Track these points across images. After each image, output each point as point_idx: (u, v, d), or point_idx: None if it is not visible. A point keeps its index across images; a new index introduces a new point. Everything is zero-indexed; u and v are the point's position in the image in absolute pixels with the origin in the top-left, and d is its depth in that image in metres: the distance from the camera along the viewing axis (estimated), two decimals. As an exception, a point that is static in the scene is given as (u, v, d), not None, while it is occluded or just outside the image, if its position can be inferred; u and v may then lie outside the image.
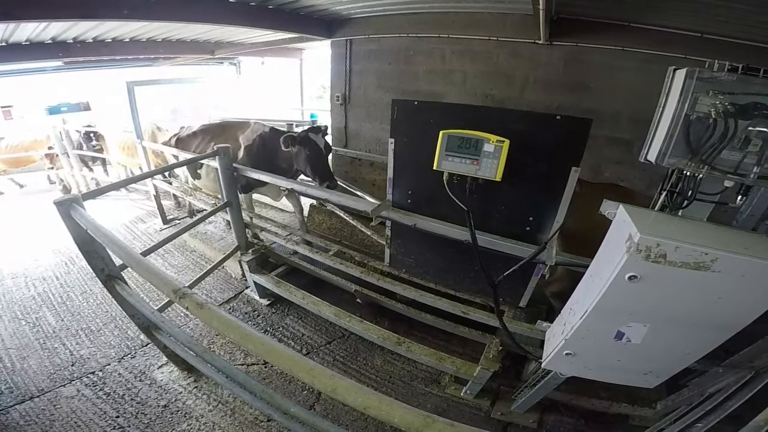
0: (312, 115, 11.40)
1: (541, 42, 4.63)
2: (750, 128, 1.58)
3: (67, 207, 2.37)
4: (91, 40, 6.63)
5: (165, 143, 5.98)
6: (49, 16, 3.91)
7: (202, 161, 4.82)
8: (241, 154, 4.95)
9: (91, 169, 8.16)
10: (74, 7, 3.87)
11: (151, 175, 5.11)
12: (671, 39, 3.98)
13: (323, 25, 6.11)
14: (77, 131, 7.66)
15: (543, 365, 2.31)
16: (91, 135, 7.57)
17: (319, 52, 10.68)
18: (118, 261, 2.68)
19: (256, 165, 4.52)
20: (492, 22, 4.88)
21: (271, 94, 13.45)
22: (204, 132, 5.59)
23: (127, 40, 7.07)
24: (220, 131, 5.46)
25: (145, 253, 3.16)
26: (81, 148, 7.67)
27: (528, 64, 4.93)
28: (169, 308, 3.67)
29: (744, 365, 2.40)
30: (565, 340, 2.01)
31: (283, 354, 1.45)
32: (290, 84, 12.60)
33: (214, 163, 3.99)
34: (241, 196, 5.09)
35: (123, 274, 2.86)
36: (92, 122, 8.02)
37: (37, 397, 3.23)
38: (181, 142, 5.68)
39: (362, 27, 5.93)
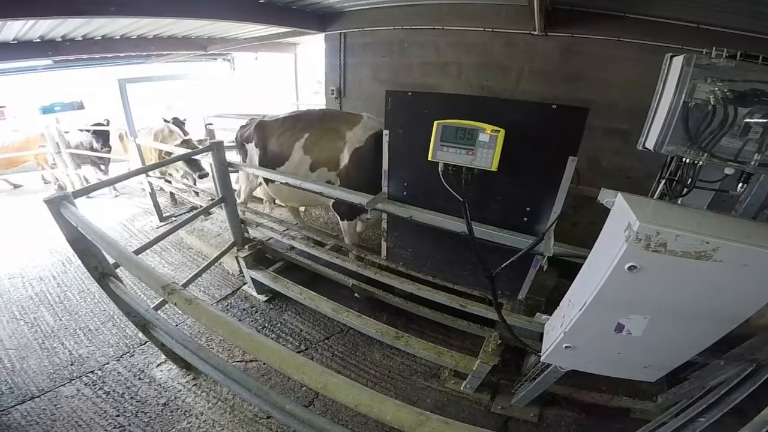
0: (308, 111, 11.36)
1: (536, 33, 4.61)
2: (747, 119, 1.56)
3: (58, 205, 2.34)
4: (80, 38, 6.57)
5: (244, 128, 5.09)
6: (34, 13, 3.87)
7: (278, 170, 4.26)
8: (345, 158, 4.06)
9: (105, 172, 8.12)
10: (61, 4, 3.82)
11: (139, 172, 5.00)
12: (667, 29, 3.96)
13: (316, 18, 6.07)
14: (89, 130, 7.51)
15: (542, 359, 2.29)
16: (100, 134, 7.44)
17: (313, 47, 10.62)
18: (111, 259, 2.65)
19: (371, 178, 3.71)
20: (487, 12, 4.86)
21: (266, 90, 13.40)
22: (296, 120, 4.56)
23: (118, 37, 7.00)
24: (319, 122, 4.37)
25: (139, 251, 3.14)
26: (90, 149, 7.53)
27: (523, 55, 4.90)
28: (167, 305, 3.63)
29: (745, 358, 2.38)
30: (564, 333, 1.99)
31: (273, 350, 1.42)
32: (286, 79, 12.56)
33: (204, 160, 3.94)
34: (344, 224, 4.49)
35: (118, 272, 2.84)
36: (105, 119, 7.73)
37: (38, 397, 3.22)
38: (262, 129, 4.66)
39: (356, 20, 5.91)
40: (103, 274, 2.73)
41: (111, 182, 3.26)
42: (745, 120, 1.56)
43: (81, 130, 7.65)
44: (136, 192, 7.98)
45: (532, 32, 4.64)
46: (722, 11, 3.51)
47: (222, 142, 3.93)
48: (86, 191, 2.85)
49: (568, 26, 4.45)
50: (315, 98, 12.42)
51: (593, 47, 4.45)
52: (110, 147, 7.53)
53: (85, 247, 2.56)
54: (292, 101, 12.33)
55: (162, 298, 3.29)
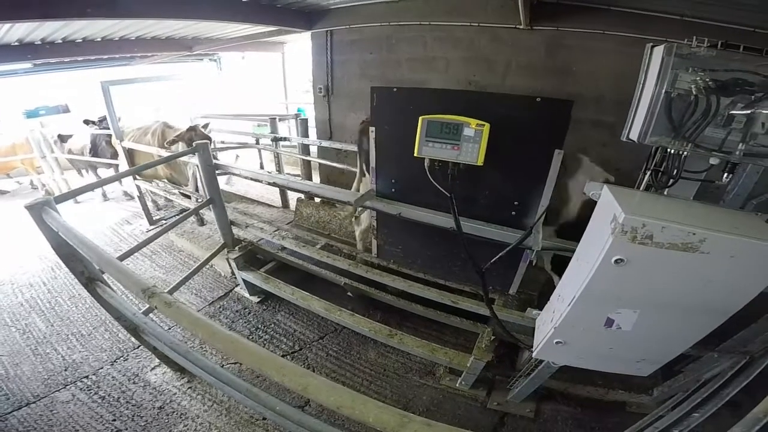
0: (299, 109, 11.31)
1: (522, 27, 4.59)
2: (732, 111, 1.56)
3: (39, 210, 2.30)
4: (60, 41, 6.44)
5: None
6: (8, 17, 3.81)
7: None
8: (573, 210, 3.31)
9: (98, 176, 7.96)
10: (34, 7, 3.75)
11: (125, 175, 4.88)
12: (651, 22, 3.95)
13: (302, 16, 6.02)
14: (95, 128, 7.22)
15: (534, 355, 2.28)
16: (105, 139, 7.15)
17: (301, 45, 10.55)
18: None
19: None
20: (472, 7, 4.83)
21: (255, 89, 13.33)
22: None
23: (99, 39, 6.87)
24: None
25: (125, 255, 3.11)
26: (95, 151, 7.34)
27: (510, 49, 4.88)
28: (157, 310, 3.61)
29: (738, 350, 2.38)
30: (554, 329, 1.98)
31: (252, 352, 1.41)
32: (274, 78, 12.50)
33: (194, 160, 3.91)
34: None
35: (105, 277, 2.81)
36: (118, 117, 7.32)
37: (34, 403, 3.22)
38: None
39: (342, 17, 5.86)
40: (90, 279, 2.70)
41: (94, 186, 3.21)
42: (729, 111, 1.56)
43: (87, 122, 7.34)
44: (127, 196, 7.92)
45: (517, 26, 4.61)
46: (706, 3, 3.51)
47: (207, 143, 3.89)
48: (68, 196, 2.81)
49: (553, 20, 4.43)
50: (305, 97, 12.36)
51: (579, 40, 4.43)
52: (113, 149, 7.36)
53: (70, 252, 2.52)
54: (281, 100, 12.29)
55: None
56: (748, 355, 2.30)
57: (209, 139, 5.80)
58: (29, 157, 7.66)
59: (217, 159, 5.30)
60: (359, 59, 6.01)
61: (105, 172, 7.98)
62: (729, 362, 2.37)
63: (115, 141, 6.02)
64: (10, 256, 5.60)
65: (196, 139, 5.42)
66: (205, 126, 5.98)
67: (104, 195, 8.05)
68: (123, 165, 6.09)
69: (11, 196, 8.89)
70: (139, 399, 3.24)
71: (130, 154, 6.11)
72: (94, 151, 7.37)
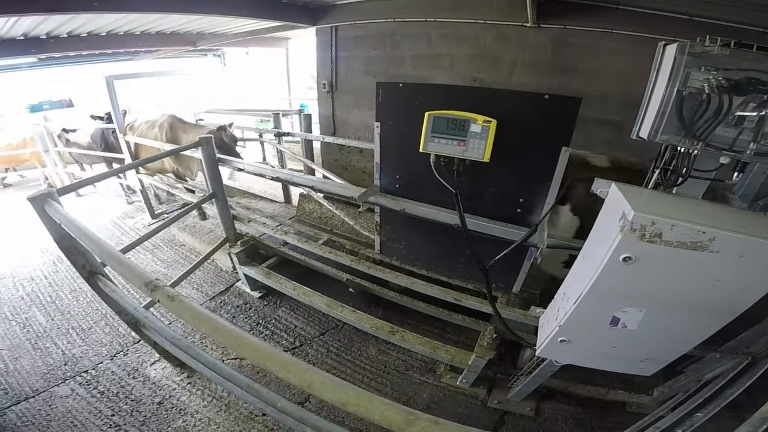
0: (302, 105, 11.30)
1: (528, 24, 4.57)
2: (740, 112, 1.54)
3: (41, 202, 2.29)
4: (65, 35, 6.42)
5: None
6: (15, 10, 3.81)
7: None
8: None
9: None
10: (42, 0, 3.74)
11: (126, 169, 4.86)
12: (659, 21, 3.93)
13: (307, 12, 6.00)
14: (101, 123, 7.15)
15: (537, 353, 2.27)
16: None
17: (305, 41, 10.54)
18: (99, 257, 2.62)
19: None
20: (478, 4, 4.81)
21: (259, 85, 13.33)
22: None
23: (104, 34, 6.84)
24: None
25: (127, 249, 3.10)
26: (106, 144, 7.21)
27: (516, 47, 4.86)
28: (159, 303, 3.60)
29: (740, 351, 2.37)
30: (558, 327, 1.96)
31: (256, 347, 1.39)
32: (278, 74, 12.50)
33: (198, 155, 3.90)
34: None
35: (106, 271, 2.80)
36: (123, 110, 6.69)
37: (32, 397, 3.21)
38: None
39: (347, 13, 5.85)
40: (91, 272, 2.68)
41: (95, 179, 3.19)
42: (741, 111, 1.54)
43: (94, 117, 7.41)
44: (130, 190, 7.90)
45: (524, 24, 4.60)
46: (714, 2, 3.49)
47: (211, 137, 3.88)
48: (71, 188, 2.80)
49: (560, 18, 4.42)
50: (309, 93, 12.36)
51: (585, 39, 4.42)
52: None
53: (72, 245, 2.51)
54: (285, 96, 12.28)
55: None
56: (751, 355, 2.29)
57: (237, 140, 5.81)
58: (37, 150, 7.68)
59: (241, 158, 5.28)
60: (363, 56, 6.00)
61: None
62: (732, 363, 2.36)
63: (119, 135, 6.01)
64: (12, 249, 5.61)
65: (226, 138, 5.44)
66: (230, 125, 5.96)
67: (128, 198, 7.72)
68: (126, 159, 6.08)
69: (15, 189, 8.91)
70: (138, 394, 3.24)
71: (136, 147, 6.09)
72: (105, 144, 7.31)
